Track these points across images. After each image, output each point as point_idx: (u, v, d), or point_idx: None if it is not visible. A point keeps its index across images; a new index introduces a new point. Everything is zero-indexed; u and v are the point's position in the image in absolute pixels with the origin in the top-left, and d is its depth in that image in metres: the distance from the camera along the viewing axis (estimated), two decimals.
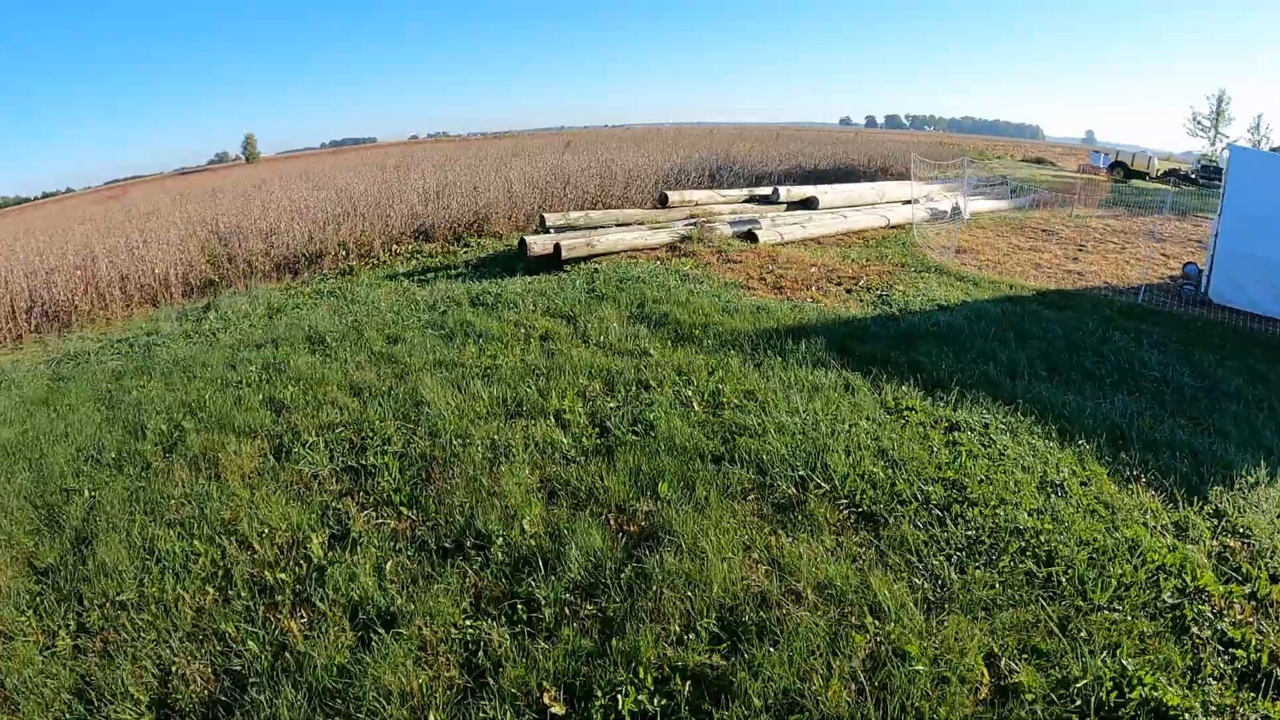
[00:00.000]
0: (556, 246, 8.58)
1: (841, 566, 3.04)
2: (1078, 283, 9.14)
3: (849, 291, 8.14)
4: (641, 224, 10.28)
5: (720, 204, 11.65)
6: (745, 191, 12.20)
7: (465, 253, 10.47)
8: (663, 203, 11.07)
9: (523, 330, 6.41)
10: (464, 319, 6.73)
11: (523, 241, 8.64)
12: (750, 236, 10.35)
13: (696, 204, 11.22)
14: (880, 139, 36.86)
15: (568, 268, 8.78)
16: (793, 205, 12.70)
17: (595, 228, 9.95)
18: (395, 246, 10.69)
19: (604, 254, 9.05)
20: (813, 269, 8.99)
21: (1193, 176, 26.89)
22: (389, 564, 3.20)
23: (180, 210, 14.12)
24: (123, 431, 4.85)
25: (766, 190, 12.55)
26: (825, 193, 13.17)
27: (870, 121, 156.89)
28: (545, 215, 9.53)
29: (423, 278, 9.00)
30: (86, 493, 4.03)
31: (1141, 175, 28.57)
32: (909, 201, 14.55)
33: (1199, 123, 30.60)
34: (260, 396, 5.31)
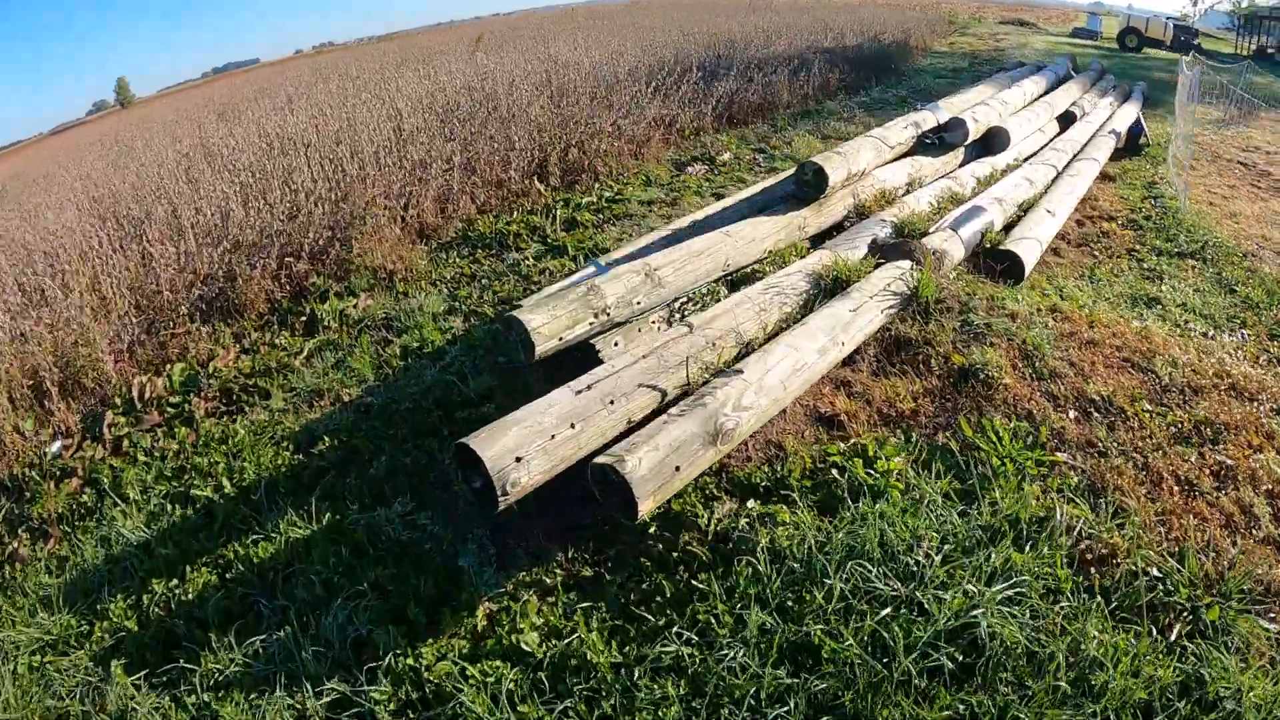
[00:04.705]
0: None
1: None
2: None
3: None
4: (783, 267, 3.77)
5: (890, 163, 5.19)
6: (908, 130, 5.62)
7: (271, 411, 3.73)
8: (807, 188, 4.22)
9: None
10: None
11: None
12: (1009, 266, 4.14)
13: (861, 175, 4.61)
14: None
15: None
16: (973, 146, 6.40)
17: (657, 305, 3.40)
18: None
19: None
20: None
21: (1195, 43, 21.08)
22: None
23: None
24: None
25: (928, 119, 6.05)
26: (1003, 115, 6.87)
27: None
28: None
29: None
30: None
31: (1158, 44, 22.04)
32: (1067, 118, 8.19)
33: None
34: None
